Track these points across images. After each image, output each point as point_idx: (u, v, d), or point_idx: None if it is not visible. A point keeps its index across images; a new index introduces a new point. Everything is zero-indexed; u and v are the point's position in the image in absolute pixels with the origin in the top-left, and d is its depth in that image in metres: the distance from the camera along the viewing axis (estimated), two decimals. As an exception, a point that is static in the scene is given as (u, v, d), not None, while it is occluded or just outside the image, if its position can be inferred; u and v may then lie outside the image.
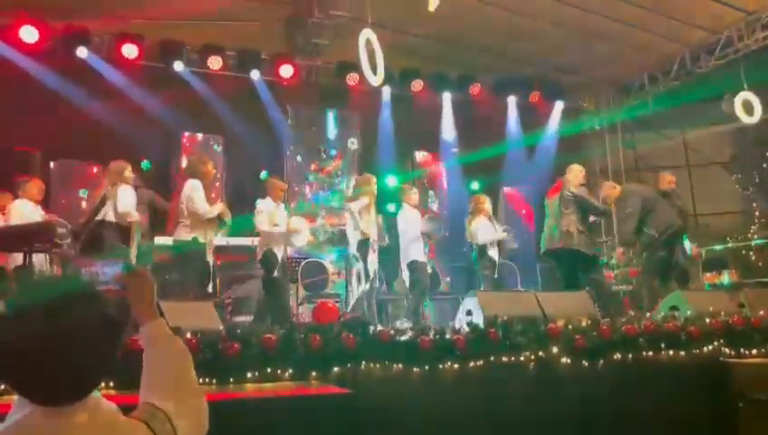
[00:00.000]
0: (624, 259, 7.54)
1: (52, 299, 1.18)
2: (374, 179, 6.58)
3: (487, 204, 7.01)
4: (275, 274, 5.87)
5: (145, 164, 6.84)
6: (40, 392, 1.15)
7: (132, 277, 1.47)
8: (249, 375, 3.48)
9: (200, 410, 1.42)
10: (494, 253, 6.85)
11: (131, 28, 7.90)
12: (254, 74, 8.59)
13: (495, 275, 6.82)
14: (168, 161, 8.33)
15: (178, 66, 8.16)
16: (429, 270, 6.96)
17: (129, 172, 5.80)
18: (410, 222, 6.65)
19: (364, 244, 6.22)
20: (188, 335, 3.37)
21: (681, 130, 11.18)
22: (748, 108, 8.46)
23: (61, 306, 1.17)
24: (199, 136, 8.61)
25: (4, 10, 7.08)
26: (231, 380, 3.44)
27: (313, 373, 3.59)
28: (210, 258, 5.51)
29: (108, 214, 5.59)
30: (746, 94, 8.45)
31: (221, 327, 3.75)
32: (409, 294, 6.59)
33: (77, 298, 1.21)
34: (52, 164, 7.60)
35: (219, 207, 5.58)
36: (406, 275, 6.62)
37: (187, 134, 8.48)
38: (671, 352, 4.19)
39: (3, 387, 2.53)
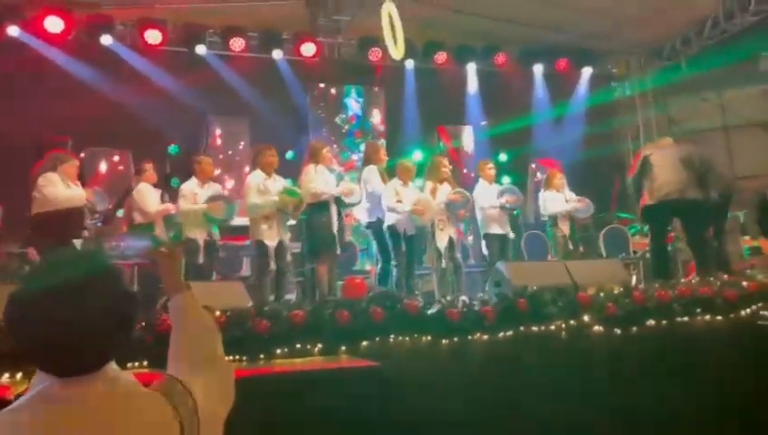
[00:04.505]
0: None
1: (67, 272, 1.19)
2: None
3: (558, 178, 7.36)
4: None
5: (173, 148, 6.93)
6: (55, 363, 1.17)
7: (161, 251, 1.50)
8: (279, 351, 3.52)
9: (226, 382, 1.42)
10: (564, 225, 7.17)
11: (155, 14, 7.96)
12: (277, 54, 8.55)
13: (570, 247, 7.11)
14: (196, 145, 8.41)
15: (201, 49, 8.18)
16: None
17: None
18: (487, 196, 6.87)
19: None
20: (218, 313, 3.41)
21: (718, 91, 10.80)
22: (787, 64, 8.14)
23: (75, 278, 1.18)
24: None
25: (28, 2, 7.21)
26: (261, 356, 3.49)
27: (343, 348, 3.61)
28: None
29: None
30: (785, 51, 8.11)
31: (249, 305, 3.79)
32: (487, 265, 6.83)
33: (91, 270, 1.22)
34: (83, 153, 7.74)
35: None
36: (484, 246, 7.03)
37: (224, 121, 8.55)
38: (707, 317, 4.09)
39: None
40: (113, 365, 1.24)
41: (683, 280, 4.74)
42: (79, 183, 5.58)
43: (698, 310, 4.07)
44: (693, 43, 9.46)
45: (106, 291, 1.21)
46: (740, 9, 8.62)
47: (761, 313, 4.15)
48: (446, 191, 6.47)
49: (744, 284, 4.25)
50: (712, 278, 4.55)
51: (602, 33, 9.38)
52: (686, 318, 4.04)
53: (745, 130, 10.70)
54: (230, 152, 8.73)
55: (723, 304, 4.11)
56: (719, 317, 4.10)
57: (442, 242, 6.34)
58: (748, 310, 4.14)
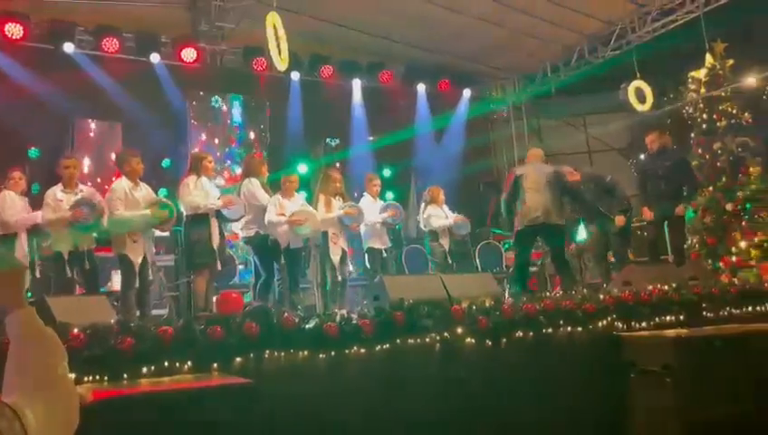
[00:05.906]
0: None
1: None
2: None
3: (441, 194, 7.53)
4: None
5: (33, 152, 6.40)
6: None
7: None
8: (145, 370, 3.31)
9: (67, 404, 1.31)
10: (444, 240, 7.32)
11: (16, 6, 7.35)
12: (154, 57, 8.19)
13: (449, 261, 7.28)
14: (60, 149, 7.80)
15: (69, 48, 7.65)
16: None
17: None
18: (371, 211, 6.85)
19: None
20: (75, 331, 3.16)
21: (583, 117, 11.70)
22: (640, 96, 8.95)
23: None
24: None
25: None
26: (125, 375, 3.27)
27: (215, 365, 3.46)
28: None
29: None
30: (638, 83, 8.93)
31: (113, 320, 3.55)
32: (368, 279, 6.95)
33: None
34: None
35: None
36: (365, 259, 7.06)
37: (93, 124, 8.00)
38: (569, 329, 4.35)
39: None
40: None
41: (547, 293, 5.02)
42: None
43: (561, 322, 4.31)
44: (561, 72, 10.20)
45: None
46: (602, 44, 9.45)
47: (615, 323, 4.47)
48: (339, 204, 6.45)
49: (601, 297, 4.56)
50: (573, 292, 4.86)
51: (480, 56, 9.87)
52: (550, 329, 4.26)
53: (606, 154, 11.66)
54: (99, 158, 8.19)
55: (582, 315, 4.38)
56: (579, 328, 4.37)
57: (336, 256, 6.31)
58: (604, 321, 4.45)
